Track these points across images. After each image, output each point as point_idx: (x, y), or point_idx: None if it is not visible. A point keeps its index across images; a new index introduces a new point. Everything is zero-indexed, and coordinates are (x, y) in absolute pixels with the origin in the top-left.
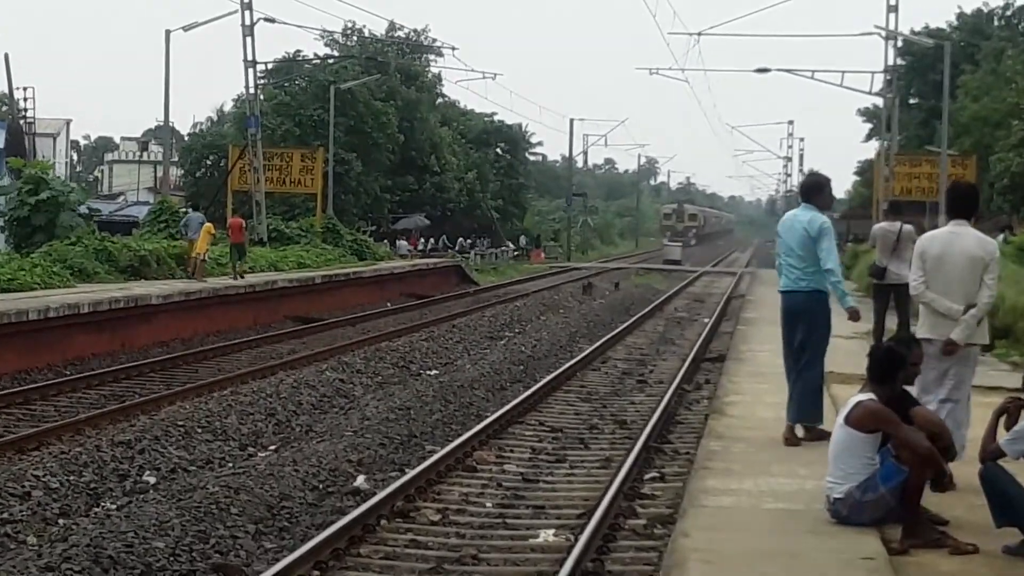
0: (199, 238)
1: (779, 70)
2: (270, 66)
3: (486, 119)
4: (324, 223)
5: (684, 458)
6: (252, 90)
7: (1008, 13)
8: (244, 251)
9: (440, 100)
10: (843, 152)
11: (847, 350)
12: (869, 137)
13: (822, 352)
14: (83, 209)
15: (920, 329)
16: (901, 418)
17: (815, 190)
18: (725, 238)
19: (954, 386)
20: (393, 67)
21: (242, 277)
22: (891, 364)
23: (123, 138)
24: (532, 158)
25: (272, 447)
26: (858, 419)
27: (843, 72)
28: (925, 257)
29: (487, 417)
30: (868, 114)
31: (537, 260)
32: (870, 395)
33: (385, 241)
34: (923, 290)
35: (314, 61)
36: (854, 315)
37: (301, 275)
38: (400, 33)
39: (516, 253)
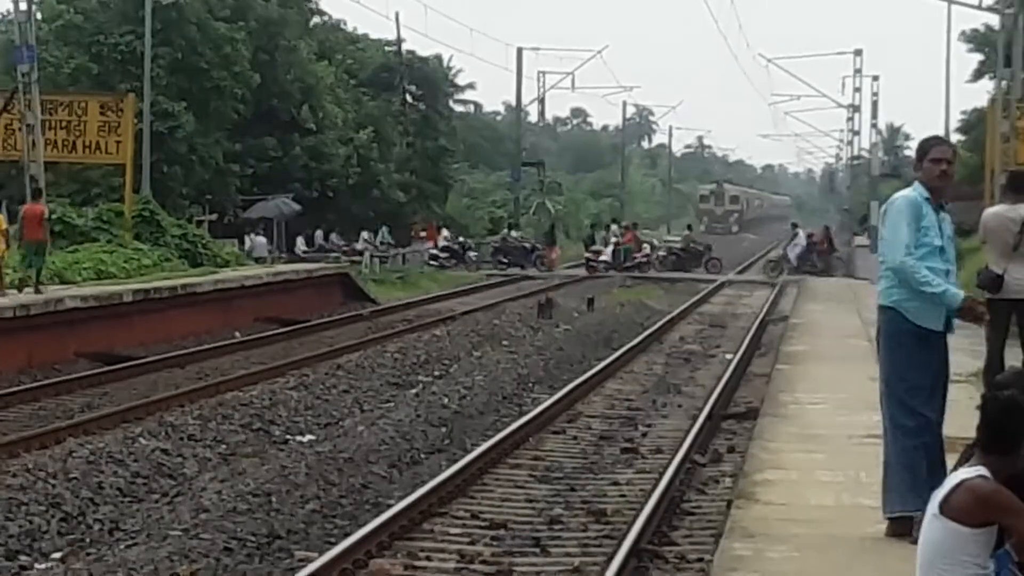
0: None
1: None
2: None
3: (388, 48)
4: (138, 210)
5: (694, 570)
6: (23, 5)
7: None
8: (44, 253)
9: (316, 20)
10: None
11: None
12: (978, 75)
13: (895, 403)
14: None
15: None
16: None
17: None
18: (774, 225)
19: None
20: None
21: (38, 291)
22: (1013, 421)
23: None
24: (460, 109)
25: (56, 555)
26: (962, 507)
27: None
28: None
29: (390, 507)
30: (976, 39)
31: (553, 263)
32: (980, 470)
33: (235, 238)
34: None
35: None
36: (972, 311)
37: (101, 290)
38: None
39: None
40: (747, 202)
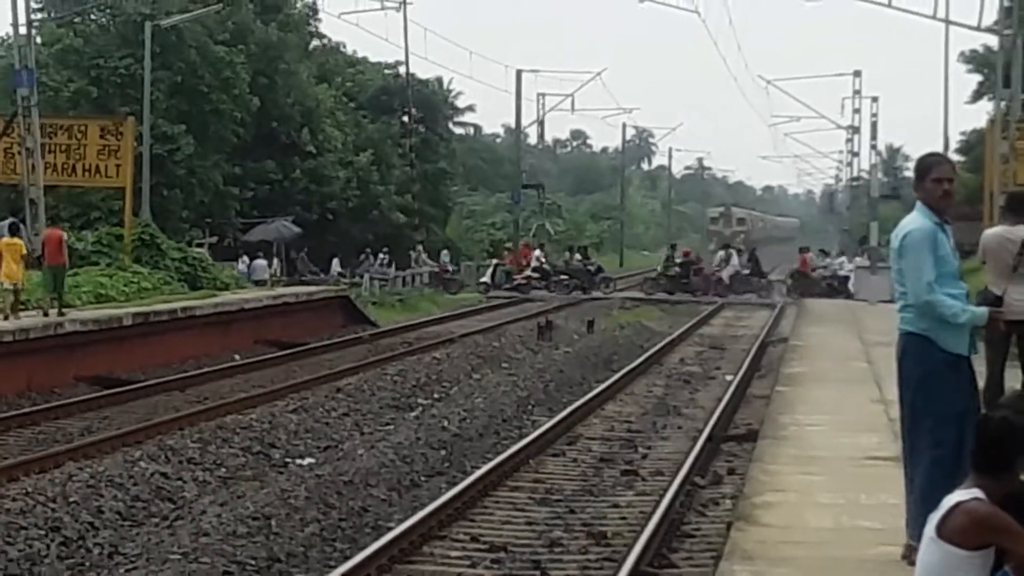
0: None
1: None
2: None
3: (387, 71)
4: (137, 233)
5: None
6: (23, 29)
7: None
8: (64, 276)
9: (316, 43)
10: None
11: None
12: (977, 96)
13: (924, 431)
14: None
15: None
16: None
17: None
18: (781, 245)
19: None
20: None
21: (62, 313)
22: (1005, 442)
23: None
24: (459, 131)
25: None
26: (959, 529)
27: None
28: None
29: (390, 530)
30: (975, 60)
31: None
32: (975, 492)
33: (235, 260)
34: None
35: None
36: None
37: (101, 314)
38: None
39: (447, 275)
40: (752, 224)
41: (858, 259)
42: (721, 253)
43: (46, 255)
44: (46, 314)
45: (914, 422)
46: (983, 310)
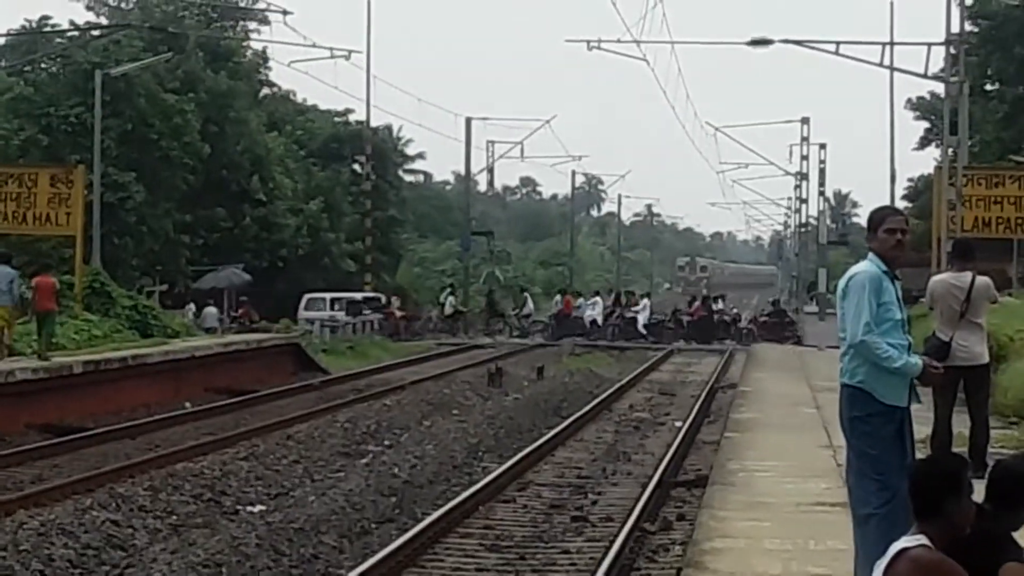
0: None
1: (786, 41)
2: (1, 41)
3: (337, 119)
4: (88, 281)
5: None
6: None
7: None
8: (53, 322)
9: (266, 92)
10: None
11: None
12: (925, 143)
13: (867, 481)
14: None
15: None
16: (982, 574)
17: None
18: (743, 291)
19: None
20: (193, 41)
21: (46, 359)
22: (930, 485)
23: None
24: (409, 178)
25: None
26: None
27: (883, 44)
28: None
29: None
30: (922, 107)
31: None
32: (920, 539)
33: (184, 308)
34: None
35: (70, 33)
36: (930, 374)
37: (52, 362)
38: None
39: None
40: (713, 271)
41: (807, 306)
42: (645, 301)
43: (36, 301)
44: (40, 358)
45: (860, 471)
46: (918, 361)
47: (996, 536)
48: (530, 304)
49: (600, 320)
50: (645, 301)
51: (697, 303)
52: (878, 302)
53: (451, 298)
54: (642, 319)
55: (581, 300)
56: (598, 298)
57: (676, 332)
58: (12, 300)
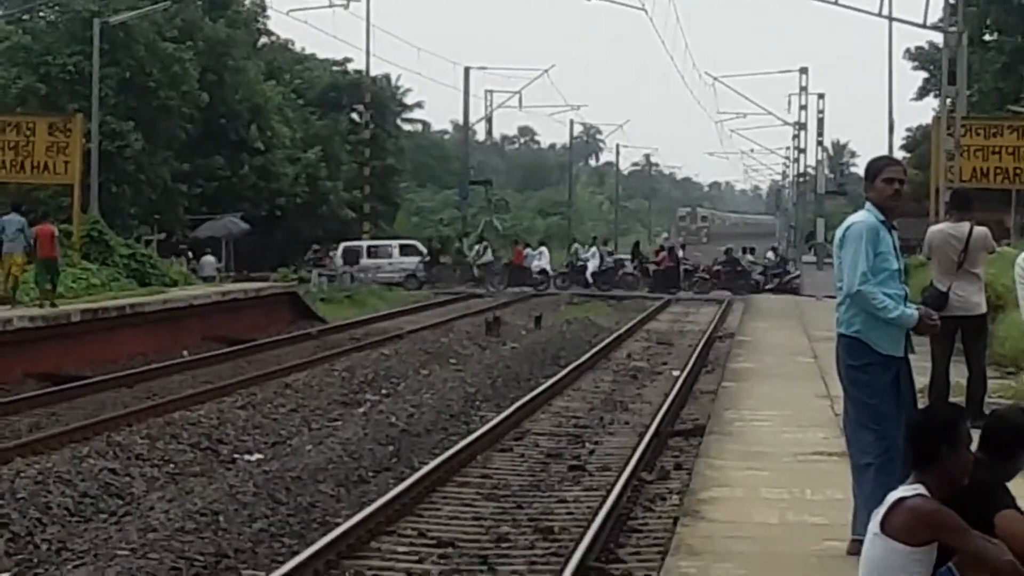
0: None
1: None
2: None
3: (335, 68)
4: (86, 230)
5: None
6: None
7: None
8: (56, 269)
9: (264, 41)
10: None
11: None
12: (923, 93)
13: (863, 430)
14: None
15: None
16: (978, 523)
17: None
18: (743, 239)
19: None
20: None
21: (54, 305)
22: (925, 434)
23: None
24: (408, 127)
25: (4, 575)
26: (902, 526)
27: None
28: None
29: (337, 525)
30: (921, 58)
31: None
32: (918, 488)
33: (182, 256)
34: None
35: None
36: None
37: (49, 310)
38: None
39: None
40: (713, 220)
41: (805, 255)
42: (593, 249)
43: (38, 249)
44: (41, 306)
45: (858, 421)
46: (913, 312)
47: (991, 486)
48: (489, 254)
49: (550, 270)
50: (593, 249)
51: (664, 253)
52: (875, 252)
53: (488, 251)
54: (591, 267)
55: (529, 250)
56: (544, 248)
57: (643, 281)
58: (20, 247)
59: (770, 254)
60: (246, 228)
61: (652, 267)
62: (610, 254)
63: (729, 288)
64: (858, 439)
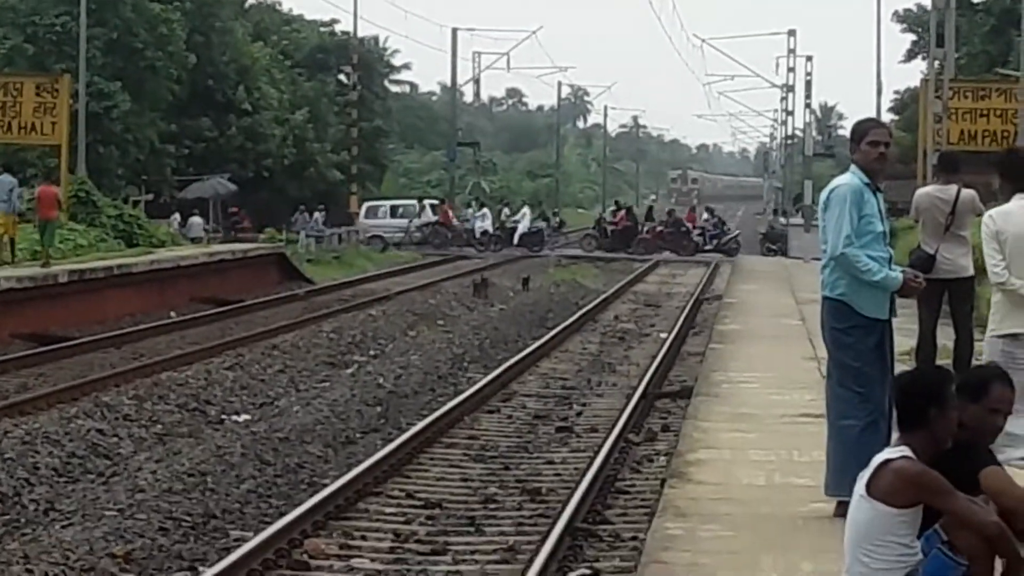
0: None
1: None
2: None
3: (322, 29)
4: (73, 191)
5: (628, 548)
6: None
7: None
8: (54, 231)
9: (251, 1)
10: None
11: None
12: (911, 55)
13: (845, 392)
14: None
15: (1002, 324)
16: (962, 483)
17: None
18: (733, 202)
19: None
20: None
21: (46, 265)
22: (912, 397)
23: None
24: (395, 89)
25: None
26: (888, 488)
27: None
28: (1003, 237)
29: (325, 486)
30: (909, 20)
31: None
32: (904, 450)
33: (170, 217)
34: (1008, 277)
35: None
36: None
37: (36, 271)
38: None
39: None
40: (703, 183)
41: (792, 218)
42: (525, 210)
43: (39, 209)
44: (44, 265)
45: (841, 383)
46: (898, 275)
47: (974, 445)
48: (428, 213)
49: (491, 230)
50: (525, 210)
51: (622, 212)
52: (859, 214)
53: (523, 214)
54: (521, 228)
55: (470, 211)
56: (486, 209)
57: (599, 241)
58: (11, 208)
59: (706, 215)
60: (233, 189)
61: (610, 228)
62: (547, 219)
63: (672, 248)
64: (841, 401)
